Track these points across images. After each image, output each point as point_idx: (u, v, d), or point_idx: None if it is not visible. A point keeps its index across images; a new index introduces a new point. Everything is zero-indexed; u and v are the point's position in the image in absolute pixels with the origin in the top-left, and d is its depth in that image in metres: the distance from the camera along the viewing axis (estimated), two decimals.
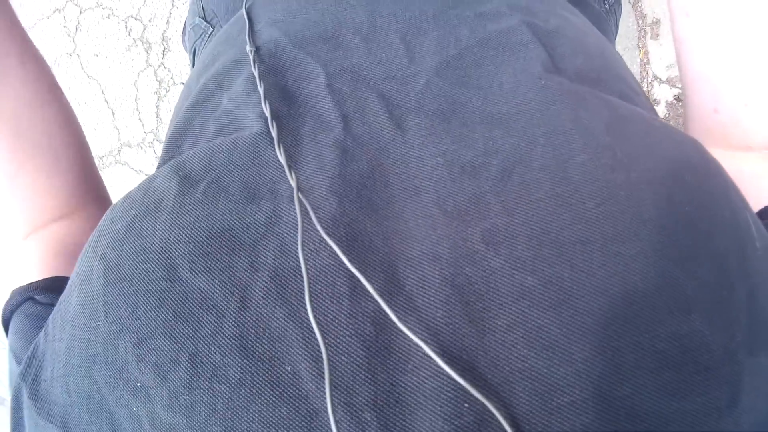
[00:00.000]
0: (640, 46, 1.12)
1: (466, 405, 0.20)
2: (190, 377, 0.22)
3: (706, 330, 0.20)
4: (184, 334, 0.23)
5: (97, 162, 1.24)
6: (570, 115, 0.25)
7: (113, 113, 1.27)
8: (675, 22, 0.32)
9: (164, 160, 0.32)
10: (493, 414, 0.20)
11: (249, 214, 0.26)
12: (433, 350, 0.21)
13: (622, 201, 0.22)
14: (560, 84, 0.27)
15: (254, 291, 0.23)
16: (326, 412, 0.21)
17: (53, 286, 0.33)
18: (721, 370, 0.20)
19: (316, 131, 0.28)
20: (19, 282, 0.34)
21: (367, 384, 0.21)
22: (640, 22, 1.12)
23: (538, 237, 0.22)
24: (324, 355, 0.21)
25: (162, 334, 0.23)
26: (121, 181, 1.28)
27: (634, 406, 0.19)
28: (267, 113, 0.29)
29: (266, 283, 0.24)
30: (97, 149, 1.28)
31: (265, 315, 0.23)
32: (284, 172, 0.27)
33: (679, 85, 1.13)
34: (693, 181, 0.23)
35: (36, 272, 0.35)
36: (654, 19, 1.13)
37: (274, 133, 0.28)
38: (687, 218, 0.22)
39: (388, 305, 0.22)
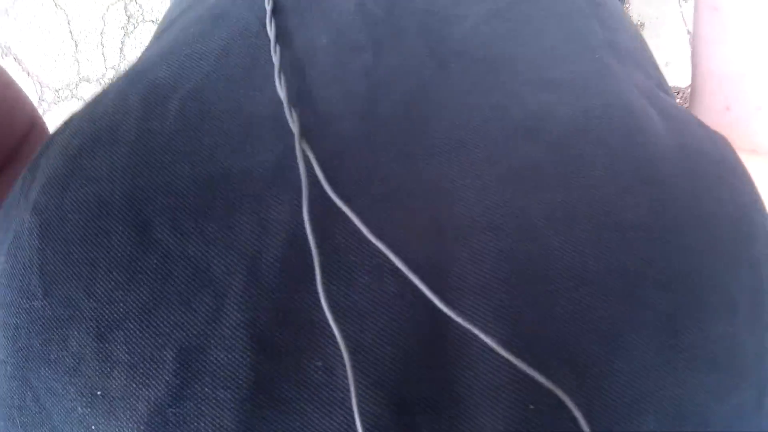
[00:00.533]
0: None
1: (531, 407, 0.17)
2: (182, 382, 0.17)
3: (746, 333, 0.20)
4: (169, 322, 0.18)
5: (53, 95, 1.17)
6: (625, 93, 0.23)
7: (76, 45, 1.20)
8: (699, 16, 0.30)
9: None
10: (560, 417, 0.17)
11: (249, 155, 0.20)
12: (497, 342, 0.17)
13: (677, 192, 0.21)
14: (614, 61, 0.24)
15: (266, 260, 0.18)
16: (369, 415, 0.17)
17: None
18: (752, 374, 0.20)
19: (338, 50, 0.23)
20: None
21: (419, 381, 0.17)
22: None
23: (599, 217, 0.20)
24: (344, 351, 0.17)
25: (136, 321, 0.18)
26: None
27: (682, 407, 0.18)
28: (270, 33, 0.22)
29: (281, 248, 0.18)
30: (54, 82, 1.21)
31: (284, 293, 0.18)
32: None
33: None
34: (737, 185, 0.22)
35: None
36: (639, 23, 1.13)
37: (275, 58, 0.21)
38: (731, 218, 0.21)
39: (438, 285, 0.18)
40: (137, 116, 0.20)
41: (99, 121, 0.21)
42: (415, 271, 0.18)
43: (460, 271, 0.19)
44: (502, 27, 0.25)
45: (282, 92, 0.20)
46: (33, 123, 0.30)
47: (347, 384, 0.17)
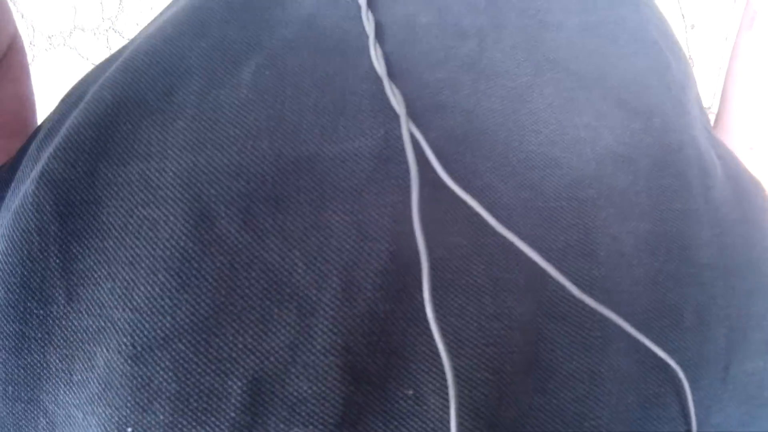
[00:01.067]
0: None
1: None
2: (252, 419, 0.14)
3: None
4: (237, 343, 0.14)
5: (45, 42, 1.12)
6: (695, 133, 0.24)
7: None
8: (736, 55, 0.30)
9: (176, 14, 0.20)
10: None
11: (343, 138, 0.17)
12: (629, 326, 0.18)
13: (736, 236, 0.22)
14: (685, 98, 0.25)
15: (364, 272, 0.15)
16: None
17: None
18: None
19: (442, 32, 0.21)
20: None
21: (506, 408, 0.16)
22: None
23: (678, 252, 0.21)
24: (449, 375, 0.14)
25: (190, 340, 0.14)
26: (66, 66, 1.17)
27: None
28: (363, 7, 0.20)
29: (383, 260, 0.15)
30: (48, 28, 1.16)
31: (382, 314, 0.15)
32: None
33: None
34: (763, 205, 0.24)
35: None
36: None
37: (369, 27, 0.19)
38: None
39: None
40: (200, 79, 0.16)
41: (146, 77, 0.16)
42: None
43: (552, 294, 0.18)
44: (593, 43, 0.24)
45: (379, 66, 0.17)
46: (12, 44, 0.25)
47: (439, 414, 0.15)
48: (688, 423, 0.19)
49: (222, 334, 0.14)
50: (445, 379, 0.15)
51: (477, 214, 0.17)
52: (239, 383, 0.14)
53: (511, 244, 0.17)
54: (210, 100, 0.16)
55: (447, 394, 0.15)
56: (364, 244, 0.16)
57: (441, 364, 0.15)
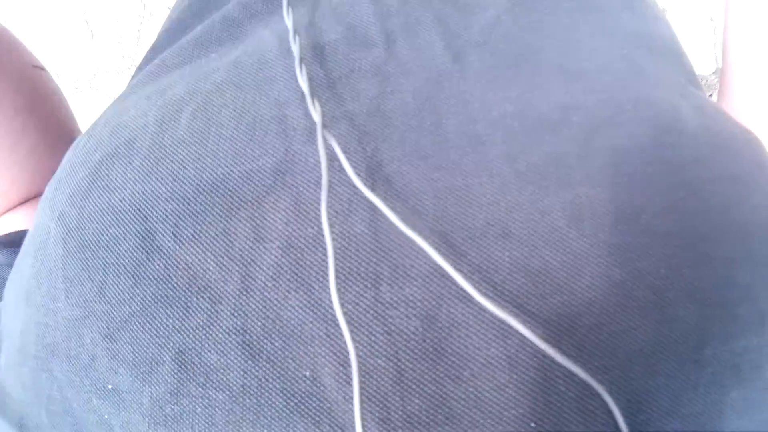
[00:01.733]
0: None
1: (533, 425, 0.17)
2: (178, 381, 0.18)
3: None
4: (168, 325, 0.18)
5: (70, 86, 1.17)
6: (656, 90, 0.22)
7: (92, 35, 1.19)
8: (733, 18, 0.29)
9: (144, 78, 0.25)
10: None
11: (250, 158, 0.20)
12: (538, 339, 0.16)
13: (709, 197, 0.19)
14: (644, 57, 0.23)
15: (260, 268, 0.18)
16: (354, 429, 0.16)
17: (17, 240, 0.27)
18: None
19: (345, 46, 0.22)
20: None
21: (409, 395, 0.17)
22: None
23: (628, 221, 0.19)
24: (352, 356, 0.16)
25: (139, 323, 0.18)
26: (93, 108, 1.21)
27: (703, 425, 0.18)
28: (288, 22, 0.22)
29: (276, 257, 0.18)
30: (72, 72, 1.21)
31: (275, 301, 0.18)
32: (294, 92, 0.21)
33: None
34: (767, 186, 0.21)
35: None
36: (662, 9, 1.10)
37: (295, 48, 0.21)
38: (764, 224, 0.20)
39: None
40: (152, 130, 0.21)
41: (119, 135, 0.22)
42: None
43: (467, 281, 0.18)
44: (526, 17, 0.24)
45: (303, 83, 0.20)
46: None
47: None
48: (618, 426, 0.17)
49: (159, 317, 0.19)
50: (341, 363, 0.17)
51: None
52: (169, 354, 0.18)
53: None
54: (157, 143, 0.21)
55: (343, 377, 0.17)
56: (259, 244, 0.19)
57: (337, 348, 0.17)
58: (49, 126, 0.33)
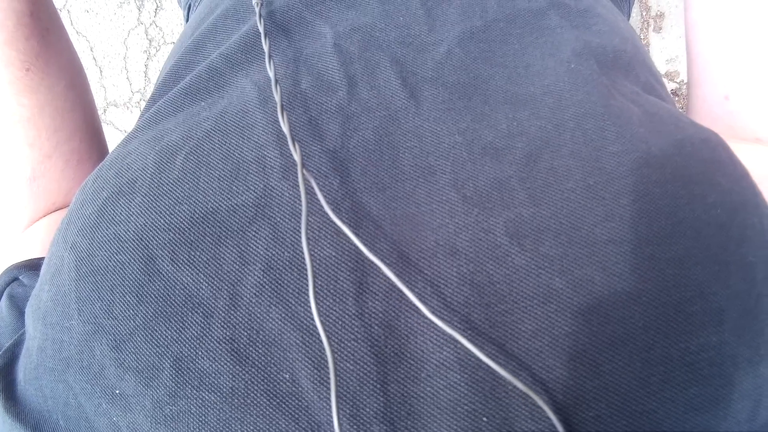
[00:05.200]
0: (642, 38, 1.10)
1: (484, 419, 0.18)
2: (176, 385, 0.20)
3: (734, 342, 0.19)
4: (167, 337, 0.21)
5: None
6: (601, 100, 0.23)
7: (101, 71, 1.23)
8: (692, 1, 0.30)
9: (144, 124, 0.28)
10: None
11: (235, 194, 0.23)
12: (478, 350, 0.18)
13: (657, 199, 0.20)
14: (590, 69, 0.24)
15: (245, 287, 0.21)
16: (330, 424, 0.18)
17: (40, 264, 0.29)
18: (745, 383, 0.19)
19: (314, 92, 0.25)
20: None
21: (375, 394, 0.19)
22: (644, 13, 1.11)
23: (568, 233, 0.20)
24: (330, 361, 0.19)
25: (142, 336, 0.21)
26: (107, 140, 1.24)
27: (658, 422, 0.18)
28: (270, 73, 0.25)
29: (258, 277, 0.21)
30: None
31: (258, 315, 0.20)
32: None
33: (678, 80, 1.12)
34: (725, 184, 0.21)
35: (32, 253, 0.32)
36: (658, 12, 1.12)
37: (277, 97, 0.24)
38: (719, 222, 0.20)
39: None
40: (151, 172, 0.24)
41: (123, 176, 0.25)
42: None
43: (419, 294, 0.20)
44: (476, 49, 0.25)
45: (285, 128, 0.23)
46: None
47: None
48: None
49: (159, 329, 0.21)
50: (315, 367, 0.20)
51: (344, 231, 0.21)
52: (168, 361, 0.20)
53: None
54: (156, 182, 0.24)
55: (317, 379, 0.19)
56: (244, 267, 0.21)
57: (312, 354, 0.20)
58: (92, 149, 0.40)
